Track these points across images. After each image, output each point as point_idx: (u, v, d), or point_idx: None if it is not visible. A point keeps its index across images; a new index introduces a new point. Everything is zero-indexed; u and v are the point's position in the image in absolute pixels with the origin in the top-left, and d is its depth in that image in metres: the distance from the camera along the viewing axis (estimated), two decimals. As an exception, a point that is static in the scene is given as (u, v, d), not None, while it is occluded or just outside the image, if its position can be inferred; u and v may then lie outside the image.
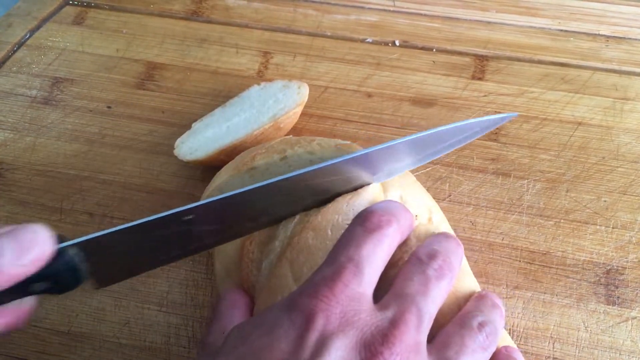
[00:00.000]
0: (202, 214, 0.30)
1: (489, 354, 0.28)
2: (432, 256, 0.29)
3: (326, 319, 0.25)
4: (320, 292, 0.25)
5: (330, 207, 0.32)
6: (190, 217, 0.30)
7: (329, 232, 0.31)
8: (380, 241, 0.28)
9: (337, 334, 0.24)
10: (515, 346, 0.32)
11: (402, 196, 0.34)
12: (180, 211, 0.29)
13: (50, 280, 0.28)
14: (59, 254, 0.28)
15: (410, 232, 0.31)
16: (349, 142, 0.39)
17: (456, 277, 0.30)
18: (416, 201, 0.35)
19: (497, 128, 0.48)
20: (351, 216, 0.31)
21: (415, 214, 0.33)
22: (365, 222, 0.28)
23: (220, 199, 0.30)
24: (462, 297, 0.31)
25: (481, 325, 0.28)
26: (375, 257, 0.27)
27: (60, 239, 0.28)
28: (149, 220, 0.29)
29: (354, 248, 0.27)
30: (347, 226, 0.30)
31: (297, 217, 0.33)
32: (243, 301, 0.33)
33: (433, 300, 0.27)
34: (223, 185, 0.37)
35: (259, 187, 0.31)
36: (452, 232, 0.36)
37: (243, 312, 0.32)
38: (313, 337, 0.24)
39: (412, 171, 0.45)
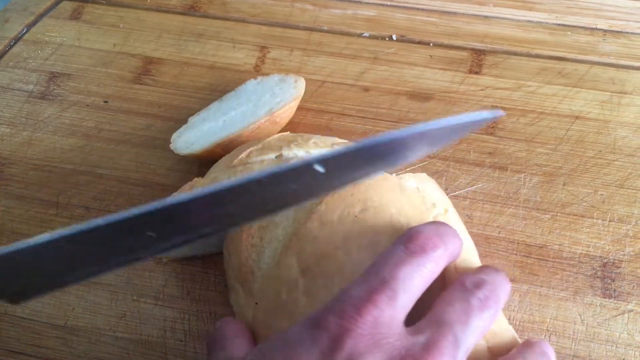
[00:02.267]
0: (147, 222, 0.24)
1: None
2: (478, 285, 0.27)
3: (354, 340, 0.23)
4: (347, 312, 0.24)
5: (335, 196, 0.31)
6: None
7: (336, 224, 0.30)
8: (422, 265, 0.26)
9: (364, 355, 0.23)
10: None
11: (420, 188, 0.34)
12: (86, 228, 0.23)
13: None
14: None
15: (456, 259, 0.29)
16: (346, 140, 0.39)
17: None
18: (434, 193, 0.35)
19: (494, 122, 0.48)
20: (358, 207, 0.31)
21: (432, 202, 0.33)
22: (408, 243, 0.26)
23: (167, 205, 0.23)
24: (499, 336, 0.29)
25: None
26: (412, 281, 0.25)
27: None
28: (59, 237, 0.23)
29: (390, 269, 0.25)
30: (354, 217, 0.30)
31: None
32: (246, 332, 0.31)
33: (472, 332, 0.25)
34: (215, 180, 0.37)
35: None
36: (464, 227, 0.35)
37: (249, 341, 0.30)
38: (340, 359, 0.23)
39: (407, 165, 0.46)
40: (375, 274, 0.25)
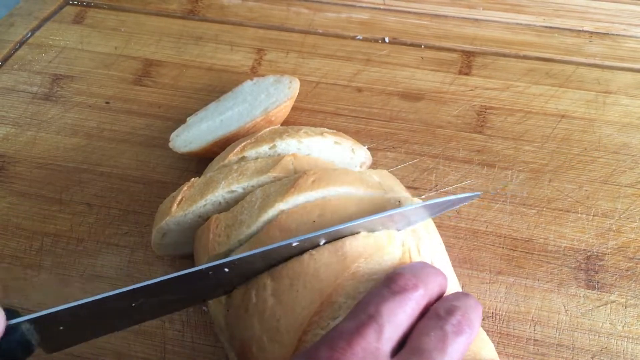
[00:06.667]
0: (159, 289, 0.30)
1: None
2: (451, 311, 0.28)
3: None
4: (338, 344, 0.26)
5: (294, 207, 0.33)
6: (141, 298, 0.30)
7: (295, 231, 0.32)
8: (403, 303, 0.28)
9: None
10: None
11: (381, 182, 0.35)
12: (133, 289, 0.29)
13: (1, 353, 0.27)
14: (11, 329, 0.27)
15: (440, 294, 0.31)
16: (334, 130, 0.41)
17: (474, 339, 0.29)
18: (395, 187, 0.36)
19: (483, 121, 0.49)
20: (316, 212, 0.32)
21: (398, 199, 0.35)
22: (391, 284, 0.28)
23: (176, 276, 0.30)
24: None
25: None
26: (397, 317, 0.27)
27: (12, 314, 0.28)
28: (102, 298, 0.29)
29: (374, 306, 0.27)
30: (312, 222, 0.32)
31: (259, 199, 0.34)
32: None
33: (450, 357, 0.27)
34: (211, 180, 0.38)
35: (218, 264, 0.31)
36: (434, 228, 0.36)
37: None
38: None
39: (398, 162, 0.47)
40: (362, 310, 0.27)
